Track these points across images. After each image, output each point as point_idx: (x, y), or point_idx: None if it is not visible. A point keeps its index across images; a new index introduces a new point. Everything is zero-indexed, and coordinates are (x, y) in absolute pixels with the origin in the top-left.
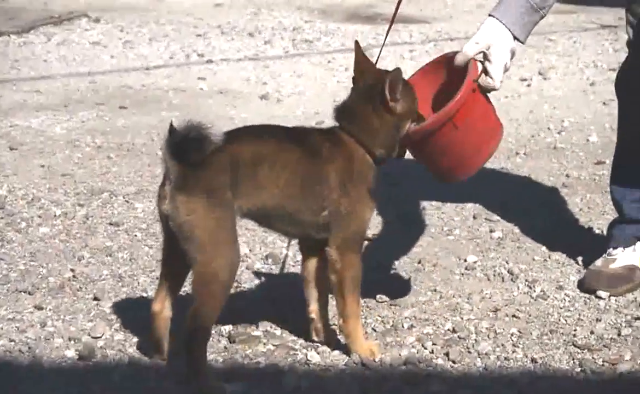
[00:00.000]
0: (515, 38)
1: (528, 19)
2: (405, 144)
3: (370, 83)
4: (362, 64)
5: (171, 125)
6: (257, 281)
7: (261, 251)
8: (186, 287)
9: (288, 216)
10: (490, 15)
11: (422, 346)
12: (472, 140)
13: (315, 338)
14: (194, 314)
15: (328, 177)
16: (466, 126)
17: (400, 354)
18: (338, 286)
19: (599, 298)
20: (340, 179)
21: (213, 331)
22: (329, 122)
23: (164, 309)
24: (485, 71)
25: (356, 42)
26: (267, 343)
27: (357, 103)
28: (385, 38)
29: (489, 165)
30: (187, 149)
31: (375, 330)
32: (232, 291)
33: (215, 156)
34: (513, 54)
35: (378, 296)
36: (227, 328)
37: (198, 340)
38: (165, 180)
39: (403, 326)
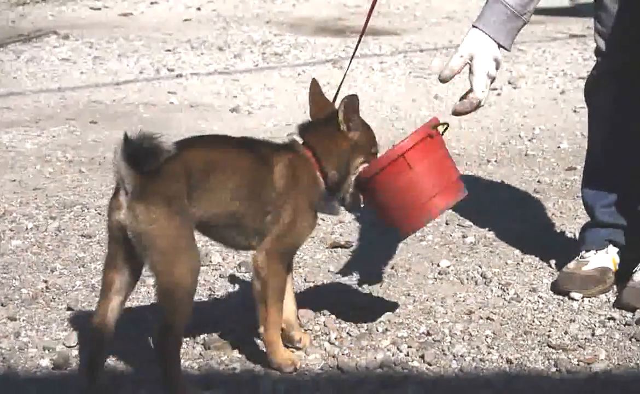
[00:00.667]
0: (500, 46)
1: (510, 25)
2: (361, 186)
3: (330, 111)
4: (318, 100)
5: (125, 135)
6: (230, 289)
7: (234, 259)
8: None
9: (236, 222)
10: (473, 26)
11: (397, 349)
12: (425, 187)
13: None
14: (163, 324)
15: (276, 182)
16: (421, 168)
17: (375, 358)
18: (262, 294)
19: (573, 299)
20: (288, 186)
21: (188, 339)
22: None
23: (106, 323)
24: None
25: (313, 80)
26: (242, 349)
27: (318, 124)
28: (355, 50)
29: (460, 170)
30: (143, 158)
31: (350, 334)
32: (206, 299)
33: (169, 164)
34: (498, 63)
35: (352, 301)
36: (202, 335)
37: (170, 350)
38: (119, 191)
39: (378, 330)
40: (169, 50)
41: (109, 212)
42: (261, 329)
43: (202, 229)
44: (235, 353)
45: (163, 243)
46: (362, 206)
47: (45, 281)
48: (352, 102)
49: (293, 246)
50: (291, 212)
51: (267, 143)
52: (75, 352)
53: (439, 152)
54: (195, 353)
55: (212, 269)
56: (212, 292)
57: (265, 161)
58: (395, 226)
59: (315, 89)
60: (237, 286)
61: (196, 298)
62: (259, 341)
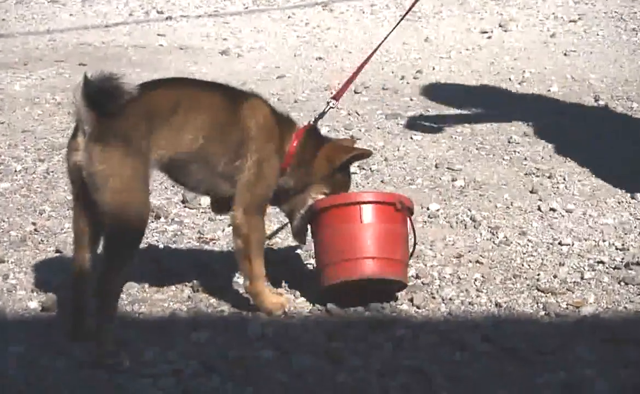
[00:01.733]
0: None
1: None
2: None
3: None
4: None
5: (85, 76)
6: (219, 232)
7: None
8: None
9: (204, 162)
10: None
11: None
12: (365, 245)
13: None
14: (106, 265)
15: (250, 127)
16: (369, 226)
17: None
18: (244, 250)
19: (562, 243)
20: (259, 134)
21: (177, 281)
22: (289, 75)
23: (84, 271)
24: None
25: None
26: (231, 293)
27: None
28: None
29: (450, 115)
30: (103, 99)
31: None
32: (195, 242)
33: (130, 106)
34: None
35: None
36: (191, 278)
37: (109, 291)
38: (77, 132)
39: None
40: None
41: (67, 154)
42: (246, 283)
43: (171, 173)
44: (224, 296)
45: (115, 183)
46: (304, 241)
47: (34, 224)
48: (356, 158)
49: (263, 197)
50: (260, 160)
51: (239, 90)
52: (63, 294)
53: (396, 226)
54: (183, 296)
55: (201, 212)
56: (201, 235)
57: (239, 104)
58: (318, 268)
59: None
60: (226, 229)
61: (185, 240)
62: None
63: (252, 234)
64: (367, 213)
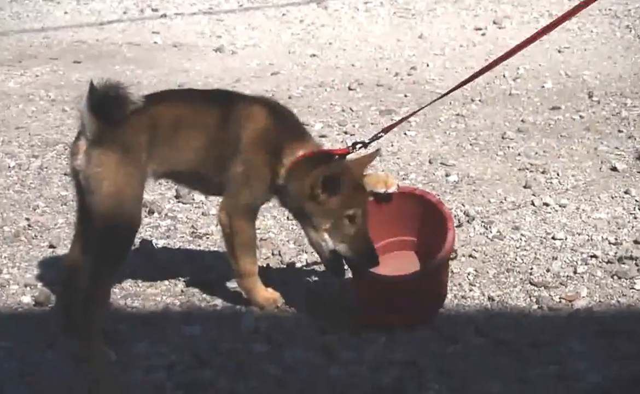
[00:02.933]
0: None
1: None
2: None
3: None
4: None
5: (91, 83)
6: (213, 227)
7: (216, 197)
8: None
9: (199, 176)
10: None
11: None
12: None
13: None
14: (93, 268)
15: (241, 137)
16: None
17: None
18: (229, 249)
19: (555, 238)
20: (248, 145)
21: (170, 276)
22: (284, 72)
23: (77, 266)
24: None
25: None
26: (224, 287)
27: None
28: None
29: (445, 110)
30: (107, 107)
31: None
32: (189, 237)
33: (134, 116)
34: None
35: None
36: (184, 272)
37: (96, 298)
38: (80, 136)
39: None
40: None
41: (69, 158)
42: (237, 279)
43: (168, 179)
44: (217, 290)
45: (108, 187)
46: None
47: (28, 219)
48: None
49: (249, 203)
50: (247, 168)
51: (239, 99)
52: (57, 289)
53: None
54: (176, 290)
55: (195, 207)
56: (195, 230)
57: (233, 120)
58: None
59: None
60: (219, 225)
61: (178, 235)
62: None
63: (236, 236)
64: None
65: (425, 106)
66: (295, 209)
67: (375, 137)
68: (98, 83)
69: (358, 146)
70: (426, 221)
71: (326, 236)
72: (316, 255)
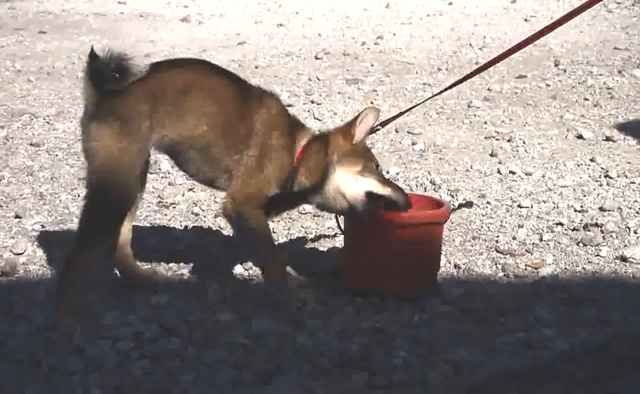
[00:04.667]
0: None
1: None
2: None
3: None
4: None
5: (92, 51)
6: (179, 197)
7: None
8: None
9: (205, 150)
10: None
11: None
12: None
13: None
14: (76, 240)
15: (255, 121)
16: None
17: (323, 263)
18: (243, 241)
19: (521, 206)
20: (263, 129)
21: (137, 246)
22: (250, 42)
23: (121, 240)
24: None
25: None
26: (191, 257)
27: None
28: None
29: (411, 79)
30: (106, 77)
31: (298, 240)
32: (156, 207)
33: (135, 86)
34: None
35: (301, 208)
36: (151, 242)
37: (74, 267)
38: (85, 110)
39: (327, 237)
40: None
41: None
42: (263, 274)
43: (171, 156)
44: (184, 260)
45: (103, 158)
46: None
47: None
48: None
49: (258, 192)
50: (260, 155)
51: (254, 87)
52: (22, 259)
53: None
54: (144, 261)
55: (161, 177)
56: (161, 200)
57: (249, 98)
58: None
59: None
60: (186, 194)
61: (145, 205)
62: (209, 250)
63: (247, 224)
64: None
65: (430, 98)
66: (315, 180)
67: (373, 131)
68: (100, 52)
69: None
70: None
71: (359, 177)
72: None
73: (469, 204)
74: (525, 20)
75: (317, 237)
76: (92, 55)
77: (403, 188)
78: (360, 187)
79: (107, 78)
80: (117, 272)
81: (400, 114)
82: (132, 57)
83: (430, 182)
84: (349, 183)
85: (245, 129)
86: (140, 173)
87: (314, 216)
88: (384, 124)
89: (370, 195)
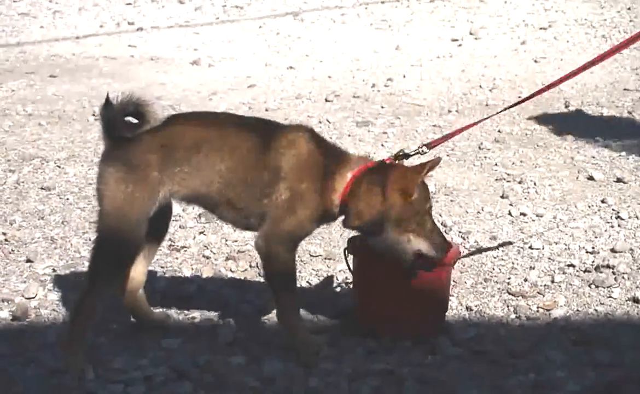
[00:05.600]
0: None
1: None
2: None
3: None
4: None
5: (107, 97)
6: (190, 240)
7: (194, 210)
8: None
9: (226, 202)
10: None
11: None
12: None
13: None
14: (86, 284)
15: (280, 167)
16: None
17: (335, 306)
18: (267, 279)
19: (532, 247)
20: (291, 173)
21: (147, 288)
22: (260, 85)
23: (133, 284)
24: None
25: None
26: (202, 299)
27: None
28: None
29: (421, 121)
30: (118, 125)
31: (309, 283)
32: (167, 250)
33: (147, 135)
34: None
35: (312, 250)
36: (162, 285)
37: (83, 311)
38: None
39: (338, 279)
40: (129, 4)
41: None
42: (277, 315)
43: (194, 204)
44: (195, 303)
45: (108, 204)
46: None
47: (4, 234)
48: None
49: (295, 232)
50: (291, 197)
51: (275, 126)
52: (34, 303)
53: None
54: (154, 303)
55: (173, 221)
56: (172, 243)
57: (267, 143)
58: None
59: None
60: (197, 237)
61: None
62: (220, 292)
63: (274, 264)
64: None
65: (483, 119)
66: (367, 224)
67: (418, 151)
68: (117, 98)
69: (400, 156)
70: None
71: (411, 237)
72: None
73: (508, 243)
74: (535, 61)
75: (329, 279)
76: (107, 102)
77: (447, 239)
78: (411, 248)
79: (119, 126)
80: (131, 316)
81: (449, 136)
82: (151, 103)
83: (442, 224)
84: (401, 242)
85: (269, 176)
86: (155, 221)
87: (325, 258)
88: (430, 146)
89: (419, 254)
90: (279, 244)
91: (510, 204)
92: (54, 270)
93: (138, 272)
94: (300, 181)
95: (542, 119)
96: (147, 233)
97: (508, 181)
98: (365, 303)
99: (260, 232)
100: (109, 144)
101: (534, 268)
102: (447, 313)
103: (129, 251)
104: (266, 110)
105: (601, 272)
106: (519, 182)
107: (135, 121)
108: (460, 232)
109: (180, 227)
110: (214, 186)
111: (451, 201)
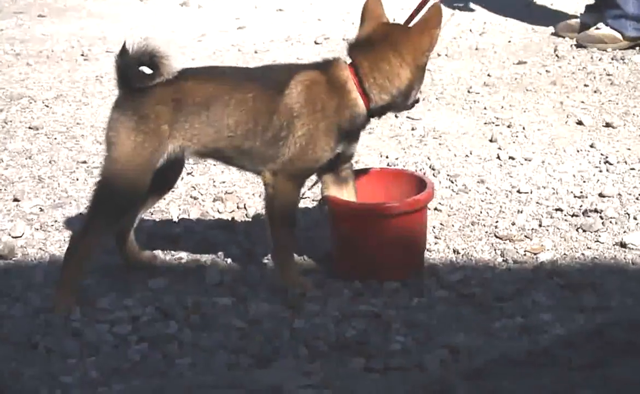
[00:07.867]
0: None
1: None
2: None
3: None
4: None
5: (123, 46)
6: (178, 181)
7: None
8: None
9: (239, 151)
10: None
11: None
12: None
13: None
14: (83, 222)
15: (292, 108)
16: None
17: (322, 248)
18: (268, 212)
19: (520, 191)
20: (304, 110)
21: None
22: (249, 27)
23: (125, 225)
24: None
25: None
26: (189, 240)
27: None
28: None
29: None
30: (132, 74)
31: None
32: None
33: (159, 88)
34: None
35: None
36: (149, 225)
37: (78, 250)
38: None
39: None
40: None
41: None
42: (272, 252)
43: (208, 158)
44: (182, 243)
45: (115, 152)
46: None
47: None
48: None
49: (308, 169)
50: (307, 136)
51: (284, 68)
52: (21, 242)
53: None
54: (141, 243)
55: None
56: None
57: (277, 89)
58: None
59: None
60: (185, 177)
61: None
62: (207, 233)
63: (278, 199)
64: None
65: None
66: (396, 95)
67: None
68: (132, 47)
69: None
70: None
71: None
72: None
73: None
74: (526, 5)
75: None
76: (123, 50)
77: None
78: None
79: (133, 75)
80: (118, 256)
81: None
82: (167, 55)
83: (430, 167)
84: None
85: (279, 121)
86: (162, 174)
87: (313, 200)
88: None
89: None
90: (290, 180)
91: (499, 148)
92: (41, 209)
93: (131, 215)
94: (314, 111)
95: (532, 63)
96: (151, 184)
97: (497, 125)
98: (342, 254)
99: (270, 166)
100: (122, 93)
101: (521, 212)
102: (434, 256)
103: (131, 199)
104: (255, 52)
105: (589, 216)
106: (508, 126)
107: (149, 71)
108: (448, 175)
109: None
110: (223, 140)
111: (440, 144)
